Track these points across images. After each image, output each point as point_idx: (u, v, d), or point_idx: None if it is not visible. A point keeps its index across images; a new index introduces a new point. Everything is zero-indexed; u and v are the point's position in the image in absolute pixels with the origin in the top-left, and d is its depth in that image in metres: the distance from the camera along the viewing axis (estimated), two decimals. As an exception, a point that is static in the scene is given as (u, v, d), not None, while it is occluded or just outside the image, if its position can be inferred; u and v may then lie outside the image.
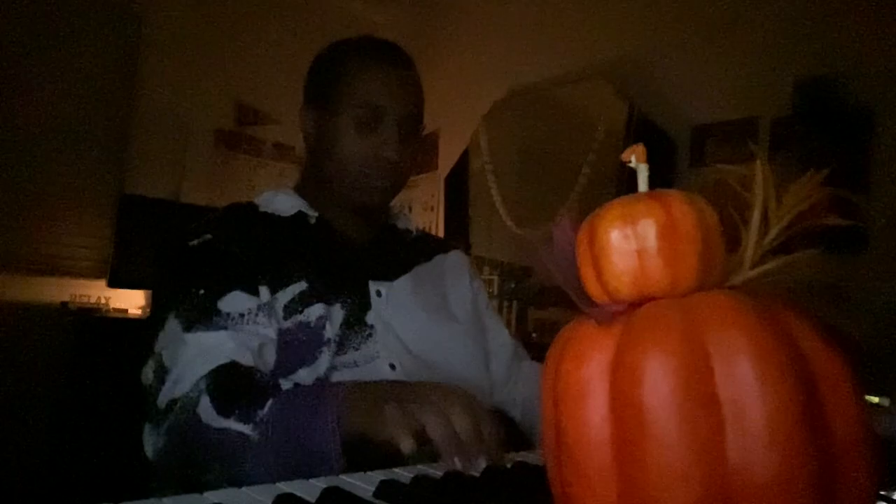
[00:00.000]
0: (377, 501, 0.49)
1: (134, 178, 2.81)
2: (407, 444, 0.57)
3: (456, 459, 0.56)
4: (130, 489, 0.59)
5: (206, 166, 3.05)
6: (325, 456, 0.62)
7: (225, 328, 0.78)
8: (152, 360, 0.81)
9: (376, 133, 0.90)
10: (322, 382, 0.80)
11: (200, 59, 2.98)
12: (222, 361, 0.74)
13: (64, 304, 2.60)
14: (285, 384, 0.73)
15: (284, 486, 0.51)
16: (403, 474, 0.56)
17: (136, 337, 0.82)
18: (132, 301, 2.74)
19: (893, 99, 1.97)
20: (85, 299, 2.66)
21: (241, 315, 0.80)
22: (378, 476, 0.54)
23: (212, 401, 0.70)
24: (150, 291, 2.73)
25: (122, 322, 2.56)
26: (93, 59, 2.70)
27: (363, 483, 0.53)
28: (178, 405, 0.73)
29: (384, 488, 0.51)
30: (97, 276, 2.69)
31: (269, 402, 0.68)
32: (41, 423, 2.34)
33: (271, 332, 0.82)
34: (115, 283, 2.65)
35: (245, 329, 0.79)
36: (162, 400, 0.75)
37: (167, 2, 2.92)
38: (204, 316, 0.79)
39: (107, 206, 2.71)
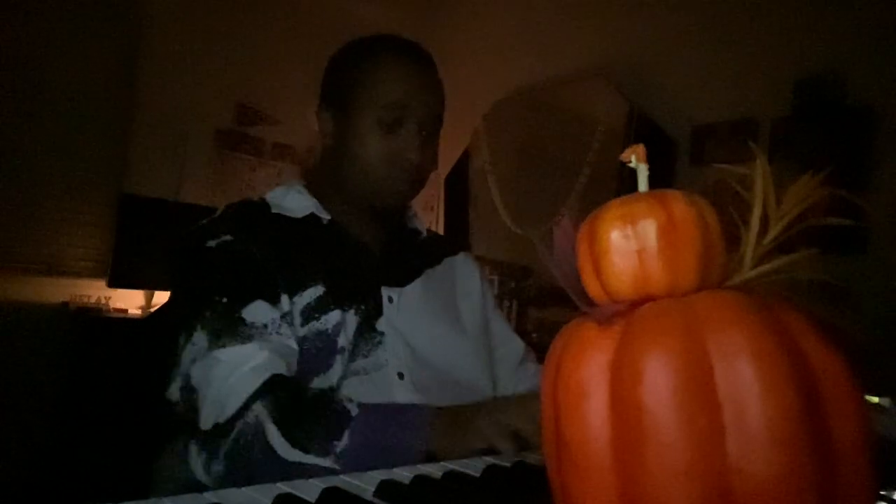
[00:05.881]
0: (377, 501, 0.49)
1: (134, 178, 2.81)
2: (508, 448, 0.64)
3: None
4: (131, 489, 0.59)
5: (206, 166, 3.05)
6: None
7: (251, 338, 0.76)
8: (179, 376, 0.77)
9: (400, 134, 0.88)
10: (400, 406, 0.80)
11: (200, 59, 2.98)
12: (264, 377, 0.72)
13: (64, 304, 2.60)
14: (350, 405, 0.72)
15: (284, 486, 0.51)
16: (403, 474, 0.56)
17: (136, 337, 0.82)
18: (132, 301, 2.74)
19: (893, 99, 1.98)
20: (85, 299, 2.66)
21: (265, 325, 0.78)
22: (378, 476, 0.54)
23: (282, 432, 0.69)
24: (150, 291, 2.74)
25: (122, 322, 2.56)
26: (93, 60, 2.70)
27: (363, 483, 0.53)
28: (237, 432, 0.71)
29: (384, 488, 0.51)
30: (97, 276, 2.69)
31: (347, 433, 0.69)
32: (42, 423, 2.34)
33: (293, 343, 0.79)
34: (115, 283, 2.65)
35: (271, 339, 0.77)
36: (206, 422, 0.73)
37: (167, 2, 2.92)
38: (229, 327, 0.76)
39: (107, 206, 2.71)
